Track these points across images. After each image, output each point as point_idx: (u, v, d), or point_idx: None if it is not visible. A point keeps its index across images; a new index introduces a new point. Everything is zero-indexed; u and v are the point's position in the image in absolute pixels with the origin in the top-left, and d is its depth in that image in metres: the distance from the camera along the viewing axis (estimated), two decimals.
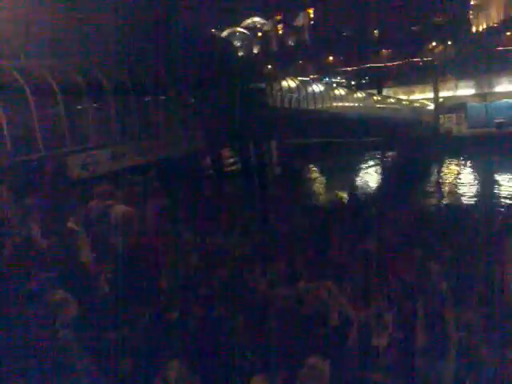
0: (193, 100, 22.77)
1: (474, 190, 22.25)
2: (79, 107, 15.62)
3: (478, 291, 7.28)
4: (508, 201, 18.80)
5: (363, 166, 39.92)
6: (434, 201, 20.23)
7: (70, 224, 7.21)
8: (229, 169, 25.71)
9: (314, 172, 36.35)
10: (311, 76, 41.23)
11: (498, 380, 4.91)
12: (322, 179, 31.78)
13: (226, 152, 27.04)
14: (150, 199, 10.42)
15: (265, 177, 24.38)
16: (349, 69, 54.63)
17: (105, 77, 16.31)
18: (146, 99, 19.57)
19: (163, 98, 20.60)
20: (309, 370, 4.88)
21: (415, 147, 38.44)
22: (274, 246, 9.45)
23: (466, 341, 5.61)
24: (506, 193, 20.01)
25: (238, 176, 23.46)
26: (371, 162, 41.65)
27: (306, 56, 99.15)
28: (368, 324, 5.96)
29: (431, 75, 53.93)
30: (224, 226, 10.81)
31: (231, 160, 27.54)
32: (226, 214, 12.12)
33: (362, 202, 16.78)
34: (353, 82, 54.78)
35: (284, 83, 31.11)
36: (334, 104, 37.01)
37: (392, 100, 53.76)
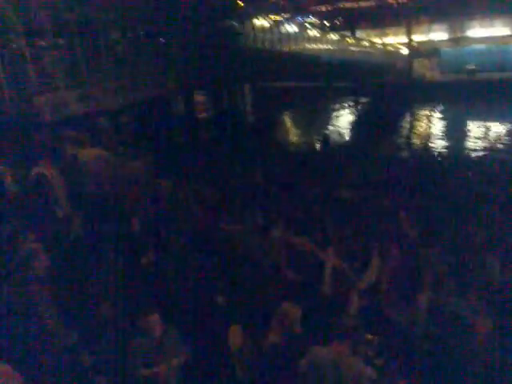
0: (162, 40, 21.96)
1: (443, 137, 22.46)
2: (45, 45, 14.89)
3: (446, 236, 7.51)
4: (478, 145, 19.03)
5: (335, 112, 39.76)
6: (404, 149, 20.39)
7: (39, 169, 7.01)
8: (200, 114, 25.25)
9: (286, 117, 36.08)
10: (283, 15, 39.75)
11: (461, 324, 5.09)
12: (294, 125, 31.58)
13: (197, 96, 26.48)
14: (120, 144, 10.21)
15: (237, 122, 24.07)
16: (322, 8, 52.88)
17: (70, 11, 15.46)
18: (116, 38, 18.81)
19: (133, 37, 19.83)
20: (281, 316, 5.00)
21: (388, 92, 38.33)
22: (245, 193, 9.49)
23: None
24: (474, 141, 20.29)
25: (209, 120, 23.10)
26: (343, 109, 41.50)
27: None
28: (341, 270, 6.12)
29: (405, 18, 53.01)
30: (196, 172, 10.73)
31: (202, 104, 27.04)
32: (197, 160, 12.03)
33: (332, 149, 16.83)
34: (326, 23, 53.27)
35: (257, 22, 30.12)
36: (308, 46, 36.23)
37: (365, 43, 52.91)
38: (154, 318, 4.90)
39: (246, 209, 8.30)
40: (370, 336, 5.24)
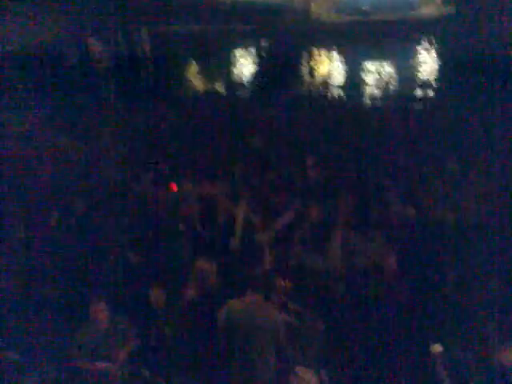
0: None
1: (341, 76, 22.81)
2: None
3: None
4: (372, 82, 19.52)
5: (238, 56, 38.95)
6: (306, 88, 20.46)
7: None
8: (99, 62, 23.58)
9: (188, 64, 34.88)
10: None
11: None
12: (197, 72, 30.67)
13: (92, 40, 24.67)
14: None
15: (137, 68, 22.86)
16: None
17: None
18: None
19: None
20: (196, 272, 4.97)
21: (287, 34, 38.03)
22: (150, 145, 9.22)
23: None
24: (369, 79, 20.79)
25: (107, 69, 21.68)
26: (246, 53, 40.71)
27: None
28: (252, 221, 6.14)
29: None
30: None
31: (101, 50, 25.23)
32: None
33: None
34: None
35: None
36: None
37: None
38: (100, 307, 4.65)
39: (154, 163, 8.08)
40: (284, 282, 5.37)
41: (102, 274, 5.28)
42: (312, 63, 27.85)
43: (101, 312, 4.64)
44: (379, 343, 4.51)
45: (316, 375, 4.07)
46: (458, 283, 5.39)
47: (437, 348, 4.05)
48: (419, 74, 19.68)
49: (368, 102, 16.61)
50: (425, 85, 18.04)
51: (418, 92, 17.45)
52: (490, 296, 5.02)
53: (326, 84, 20.14)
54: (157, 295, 4.88)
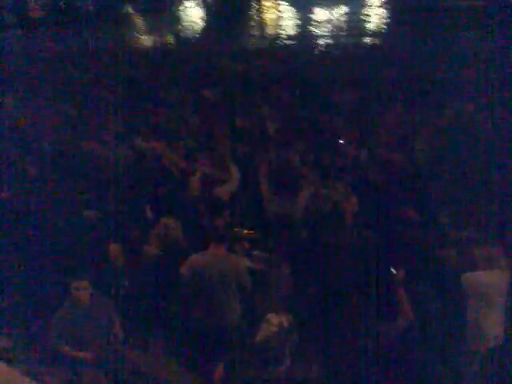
0: None
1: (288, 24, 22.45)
2: None
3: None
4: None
5: None
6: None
7: None
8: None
9: None
10: None
11: None
12: None
13: None
14: None
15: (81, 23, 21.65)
16: None
17: None
18: None
19: None
20: (160, 229, 4.92)
21: None
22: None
23: None
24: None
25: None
26: None
27: None
28: (211, 173, 6.07)
29: None
30: None
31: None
32: None
33: None
34: None
35: None
36: None
37: None
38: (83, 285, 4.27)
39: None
40: (247, 231, 5.38)
41: (60, 235, 5.12)
42: (261, 12, 27.14)
43: (83, 291, 4.25)
44: (344, 285, 4.58)
45: (285, 319, 4.13)
46: (419, 222, 5.48)
47: (398, 275, 4.12)
48: (368, 22, 19.57)
49: (318, 50, 16.46)
50: (374, 33, 17.99)
51: (367, 40, 17.38)
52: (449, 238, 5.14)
53: (275, 33, 19.74)
54: (116, 251, 4.78)
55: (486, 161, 6.52)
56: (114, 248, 4.80)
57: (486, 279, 4.26)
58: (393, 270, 4.02)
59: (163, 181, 6.16)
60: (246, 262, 4.92)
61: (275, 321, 3.88)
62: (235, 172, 6.13)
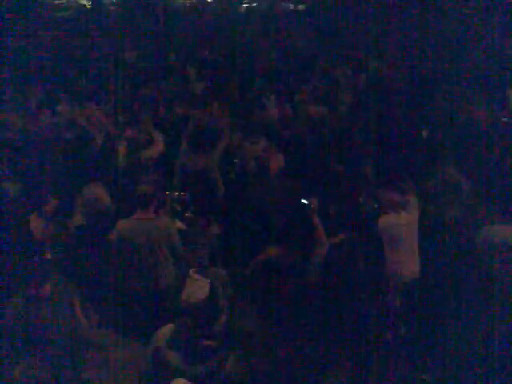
0: None
1: None
2: None
3: None
4: None
5: None
6: None
7: None
8: None
9: None
10: None
11: None
12: None
13: None
14: None
15: None
16: None
17: None
18: None
19: None
20: (84, 197, 4.77)
21: None
22: None
23: None
24: None
25: None
26: None
27: None
28: (136, 140, 5.91)
29: None
30: None
31: None
32: None
33: None
34: None
35: None
36: None
37: None
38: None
39: None
40: (178, 193, 5.33)
41: None
42: None
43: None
44: (272, 238, 4.64)
45: (214, 276, 4.16)
46: (344, 174, 5.61)
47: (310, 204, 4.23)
48: None
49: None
50: None
51: None
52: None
53: None
54: (35, 224, 4.57)
55: (405, 114, 6.76)
56: (34, 219, 4.59)
57: (398, 221, 4.47)
58: (304, 200, 4.05)
59: (88, 148, 5.95)
60: (179, 225, 4.89)
61: (197, 277, 3.92)
62: (159, 136, 6.00)
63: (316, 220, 4.11)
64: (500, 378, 3.48)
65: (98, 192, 4.80)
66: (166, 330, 3.65)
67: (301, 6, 14.01)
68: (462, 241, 4.55)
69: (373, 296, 4.35)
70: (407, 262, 4.50)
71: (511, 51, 9.00)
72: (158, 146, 5.89)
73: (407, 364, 3.95)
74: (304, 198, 4.27)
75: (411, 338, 4.30)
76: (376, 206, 4.86)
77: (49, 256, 4.21)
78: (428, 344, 4.15)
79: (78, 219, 4.70)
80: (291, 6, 14.80)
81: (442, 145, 5.81)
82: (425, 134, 6.40)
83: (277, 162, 5.60)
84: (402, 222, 4.47)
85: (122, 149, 5.77)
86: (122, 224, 4.41)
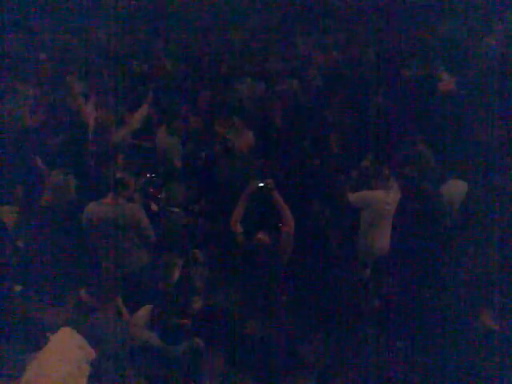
0: None
1: None
2: None
3: None
4: None
5: None
6: None
7: None
8: None
9: None
10: None
11: None
12: None
13: None
14: None
15: None
16: None
17: None
18: None
19: None
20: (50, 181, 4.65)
21: None
22: None
23: None
24: None
25: None
26: None
27: None
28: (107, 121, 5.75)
29: None
30: None
31: None
32: None
33: None
34: None
35: None
36: None
37: None
38: None
39: None
40: (150, 175, 5.25)
41: None
42: None
43: None
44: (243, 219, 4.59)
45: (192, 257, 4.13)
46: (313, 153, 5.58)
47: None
48: None
49: None
50: None
51: None
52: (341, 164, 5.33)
53: None
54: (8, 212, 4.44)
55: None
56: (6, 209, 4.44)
57: (386, 199, 4.55)
58: (261, 183, 4.02)
59: (56, 130, 5.77)
60: (153, 206, 4.82)
61: (167, 259, 3.88)
62: (131, 117, 5.85)
63: (278, 198, 4.05)
64: (467, 339, 3.58)
65: (64, 178, 4.66)
66: (145, 311, 3.63)
67: None
68: (431, 205, 4.71)
69: (347, 269, 4.42)
70: (384, 237, 4.60)
71: None
72: (130, 127, 5.74)
73: (381, 333, 4.01)
74: (272, 177, 4.22)
75: (384, 308, 4.36)
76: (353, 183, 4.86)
77: (20, 244, 4.10)
78: (401, 313, 4.22)
79: (47, 204, 4.55)
80: None
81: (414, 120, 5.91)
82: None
83: (247, 140, 5.58)
84: (388, 200, 4.56)
85: (93, 129, 5.59)
86: (92, 206, 4.28)
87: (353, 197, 4.62)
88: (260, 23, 9.59)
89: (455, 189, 4.91)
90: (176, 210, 4.64)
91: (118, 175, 4.32)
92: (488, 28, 8.49)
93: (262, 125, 6.00)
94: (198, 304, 3.98)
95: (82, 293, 3.68)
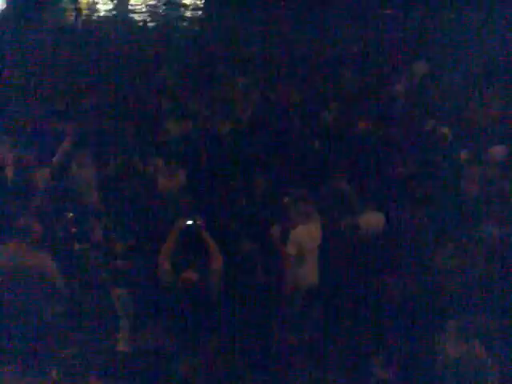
0: None
1: None
2: None
3: None
4: None
5: None
6: None
7: None
8: None
9: None
10: None
11: None
12: None
13: None
14: None
15: None
16: None
17: None
18: None
19: None
20: None
21: None
22: None
23: None
24: None
25: None
26: None
27: None
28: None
29: None
30: None
31: None
32: None
33: None
34: None
35: None
36: None
37: None
38: None
39: None
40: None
41: None
42: None
43: None
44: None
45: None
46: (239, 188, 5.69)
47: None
48: None
49: None
50: None
51: None
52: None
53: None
54: None
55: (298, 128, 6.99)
56: None
57: (302, 232, 4.58)
58: (189, 221, 4.04)
59: None
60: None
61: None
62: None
63: (206, 236, 4.04)
64: None
65: None
66: None
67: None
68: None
69: (276, 304, 4.44)
70: (310, 271, 4.62)
71: None
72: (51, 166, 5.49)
73: (312, 365, 4.06)
74: (201, 215, 4.24)
75: (315, 339, 4.42)
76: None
77: None
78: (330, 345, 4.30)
79: None
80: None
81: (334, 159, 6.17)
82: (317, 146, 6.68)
83: (175, 180, 5.59)
84: (312, 235, 4.61)
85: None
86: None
87: (276, 233, 4.67)
88: (190, 62, 9.68)
89: (373, 220, 5.10)
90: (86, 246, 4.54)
91: (22, 220, 4.01)
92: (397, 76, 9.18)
93: (191, 164, 6.04)
94: (124, 347, 3.92)
95: None
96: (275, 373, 3.97)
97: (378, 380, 3.79)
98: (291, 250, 4.53)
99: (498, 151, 6.28)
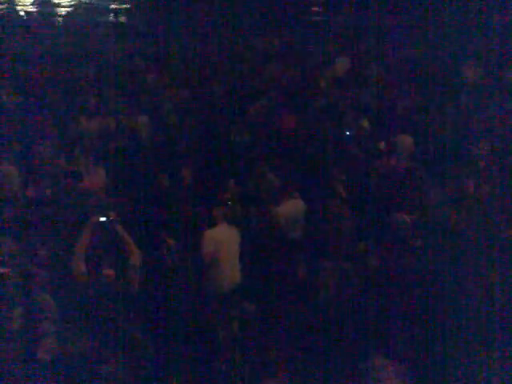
0: None
1: None
2: None
3: None
4: None
5: None
6: None
7: None
8: None
9: None
10: None
11: None
12: None
13: None
14: None
15: None
16: None
17: None
18: None
19: None
20: None
21: None
22: None
23: None
24: None
25: None
26: None
27: None
28: None
29: None
30: None
31: None
32: None
33: None
34: None
35: None
36: None
37: None
38: None
39: None
40: None
41: None
42: None
43: None
44: None
45: None
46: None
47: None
48: None
49: None
50: None
51: None
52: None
53: None
54: None
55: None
56: None
57: (216, 235, 4.60)
58: (103, 218, 3.91)
59: None
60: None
61: None
62: None
63: (122, 232, 3.92)
64: None
65: None
66: None
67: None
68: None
69: (198, 303, 4.42)
70: (231, 271, 4.61)
71: None
72: None
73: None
74: (121, 212, 4.14)
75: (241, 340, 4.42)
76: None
77: None
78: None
79: None
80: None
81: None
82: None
83: (97, 177, 5.43)
84: (229, 235, 4.61)
85: None
86: None
87: (197, 231, 4.64)
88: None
89: (292, 208, 5.16)
90: None
91: None
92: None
93: (113, 160, 5.89)
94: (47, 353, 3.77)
95: None
96: (200, 371, 3.95)
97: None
98: (208, 249, 4.52)
99: (404, 140, 6.51)
